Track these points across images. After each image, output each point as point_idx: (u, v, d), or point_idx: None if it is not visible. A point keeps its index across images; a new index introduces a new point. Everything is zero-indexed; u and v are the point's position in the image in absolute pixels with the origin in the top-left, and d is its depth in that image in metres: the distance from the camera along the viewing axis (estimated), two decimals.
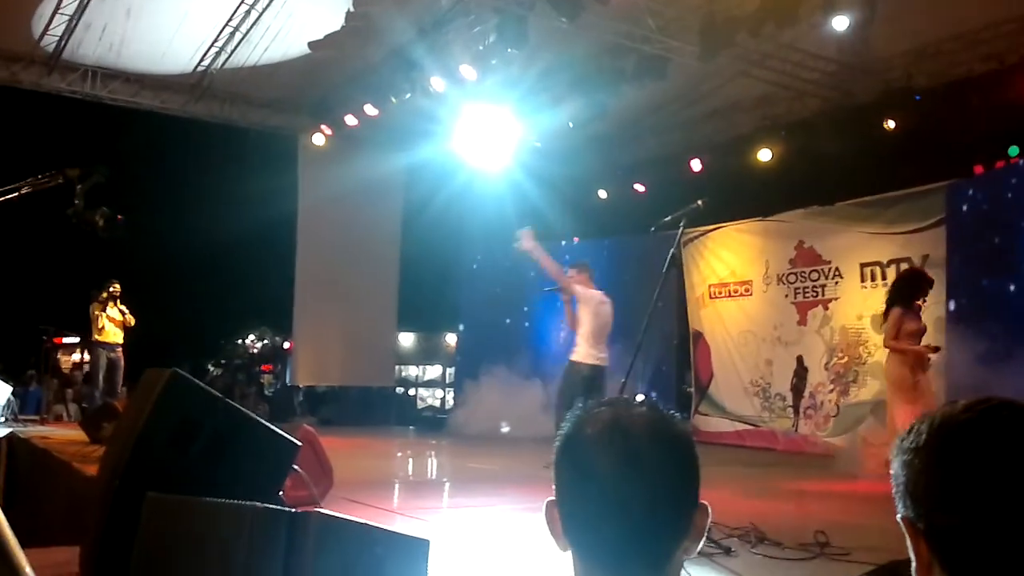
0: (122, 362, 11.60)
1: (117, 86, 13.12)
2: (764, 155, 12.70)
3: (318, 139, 14.39)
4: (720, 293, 13.14)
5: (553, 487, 1.26)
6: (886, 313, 7.14)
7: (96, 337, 11.53)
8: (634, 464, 1.19)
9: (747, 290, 12.76)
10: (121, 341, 11.66)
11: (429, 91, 12.09)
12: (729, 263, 13.06)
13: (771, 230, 12.50)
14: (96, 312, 11.50)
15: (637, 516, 1.17)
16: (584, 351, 8.03)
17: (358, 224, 14.91)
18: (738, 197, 12.35)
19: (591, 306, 8.19)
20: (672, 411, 1.28)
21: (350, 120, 13.58)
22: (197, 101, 13.70)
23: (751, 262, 12.74)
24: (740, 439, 12.16)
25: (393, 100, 12.57)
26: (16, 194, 3.78)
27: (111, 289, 11.60)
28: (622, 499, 1.17)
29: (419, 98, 12.41)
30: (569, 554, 1.24)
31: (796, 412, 11.74)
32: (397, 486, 7.56)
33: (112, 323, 11.56)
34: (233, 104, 14.01)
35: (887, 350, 7.14)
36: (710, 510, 1.24)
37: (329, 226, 14.76)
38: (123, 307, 11.63)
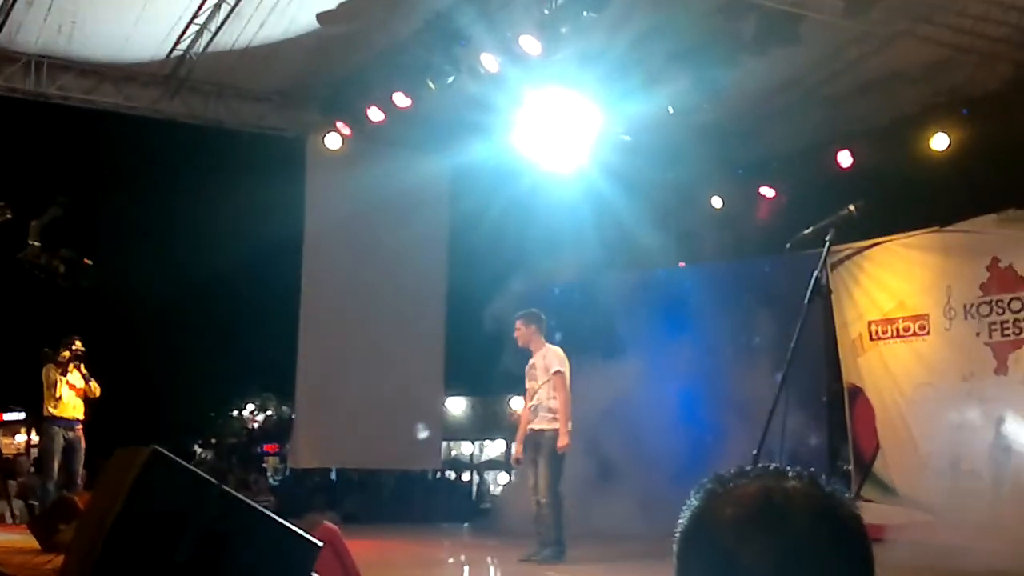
0: (82, 444, 11.81)
1: (69, 80, 13.48)
2: (939, 142, 12.54)
3: (332, 141, 14.59)
4: (885, 333, 12.95)
5: None
6: None
7: (51, 411, 11.74)
8: (796, 557, 1.19)
9: (922, 328, 12.56)
10: (82, 416, 11.87)
11: (479, 72, 12.22)
12: (896, 291, 12.88)
13: (953, 245, 12.32)
14: (53, 377, 11.72)
15: None
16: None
17: (387, 251, 14.99)
18: (905, 200, 12.21)
19: (566, 364, 10.31)
20: (836, 487, 1.29)
21: (374, 114, 13.76)
22: (173, 96, 14.01)
23: (927, 289, 12.55)
24: (919, 533, 11.89)
25: (431, 85, 12.72)
26: None
27: (73, 347, 11.83)
28: None
29: (466, 82, 12.54)
30: None
31: (996, 498, 11.47)
32: None
33: (72, 392, 11.77)
34: (220, 99, 14.32)
35: None
36: None
37: (347, 254, 14.87)
38: (85, 371, 11.86)
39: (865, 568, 1.24)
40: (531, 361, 10.42)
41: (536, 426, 10.14)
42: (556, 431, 9.94)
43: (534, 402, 10.28)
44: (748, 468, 1.30)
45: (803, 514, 1.22)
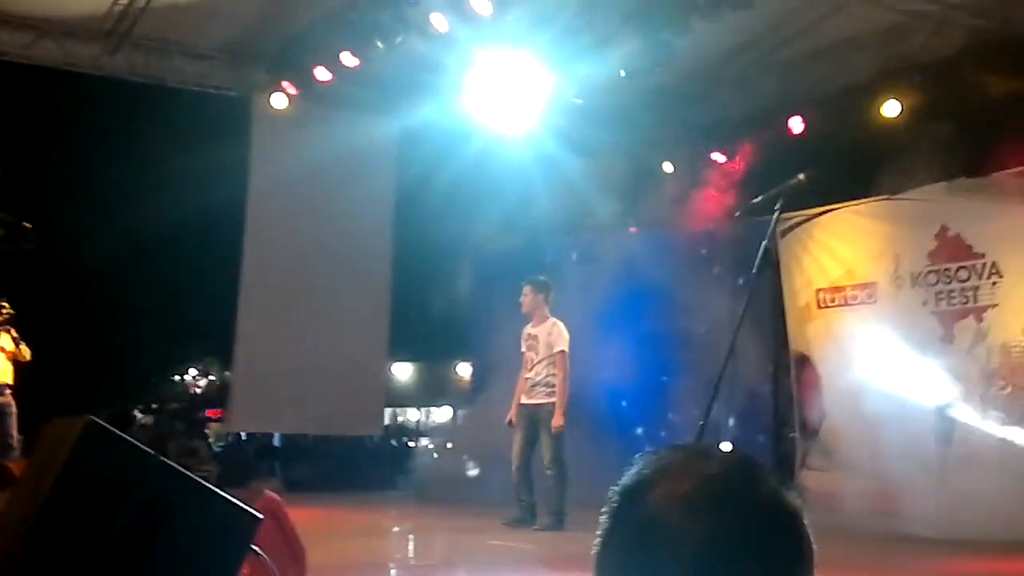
0: (14, 409, 11.70)
1: (6, 35, 13.24)
2: (891, 109, 12.61)
3: (278, 100, 14.45)
4: (833, 301, 13.06)
5: (594, 562, 1.26)
6: None
7: None
8: (725, 545, 1.18)
9: (870, 296, 12.68)
10: (11, 381, 11.75)
11: (429, 32, 12.14)
12: (845, 259, 12.99)
13: (902, 213, 12.42)
14: None
15: None
16: None
17: (332, 213, 14.90)
18: (856, 168, 12.27)
19: (567, 342, 10.54)
20: (771, 469, 1.28)
21: (321, 74, 13.64)
22: (114, 53, 13.81)
23: (875, 257, 12.66)
24: (865, 503, 12.04)
25: (380, 45, 12.62)
26: None
27: (1, 311, 11.71)
28: None
29: (415, 41, 12.46)
30: None
31: (943, 464, 11.63)
32: (393, 575, 7.57)
33: (2, 356, 11.66)
34: (162, 56, 14.11)
35: None
36: None
37: (292, 216, 14.76)
38: (15, 334, 11.74)
39: (805, 558, 1.23)
40: (530, 331, 10.69)
41: (534, 401, 10.44)
42: (555, 405, 10.22)
43: (531, 375, 10.53)
44: (679, 446, 1.30)
45: (736, 500, 1.21)
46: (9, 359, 11.70)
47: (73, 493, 3.24)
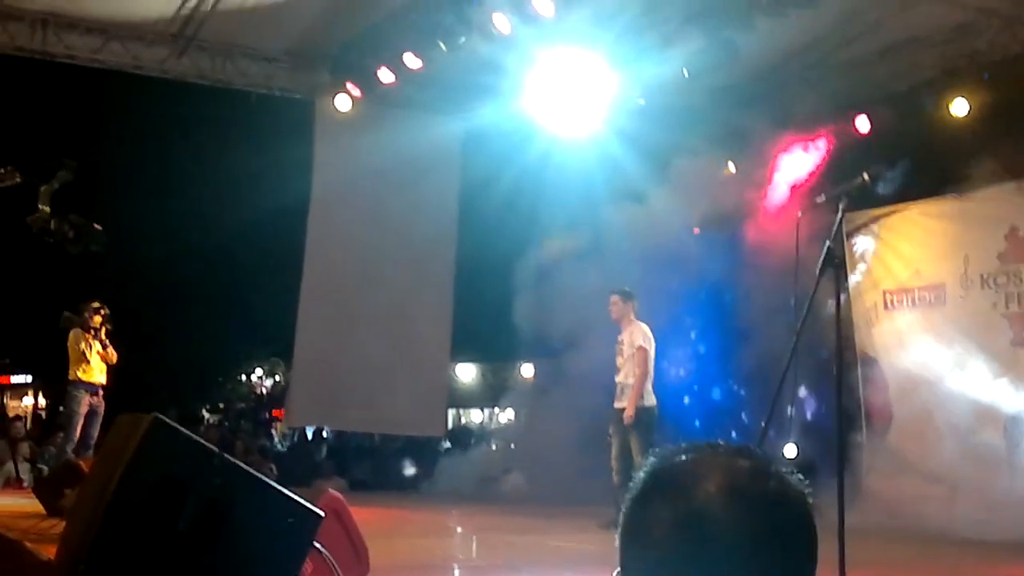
0: (102, 410, 11.90)
1: (75, 39, 13.45)
2: (959, 107, 12.47)
3: (342, 102, 14.57)
4: (900, 302, 12.92)
5: (619, 556, 1.31)
6: None
7: (78, 375, 11.84)
8: (758, 537, 1.24)
9: (938, 297, 12.53)
10: (105, 381, 11.99)
11: (491, 32, 12.17)
12: (912, 260, 12.85)
13: (971, 213, 12.27)
14: (84, 344, 11.82)
15: None
16: (650, 394, 10.63)
17: (395, 215, 15.01)
18: (923, 167, 12.12)
19: (651, 342, 10.75)
20: (787, 470, 1.33)
21: (385, 76, 13.74)
22: (180, 56, 13.99)
23: (943, 258, 12.51)
24: (933, 505, 11.90)
25: (442, 46, 12.67)
26: None
27: (103, 313, 11.97)
28: None
29: (478, 43, 12.50)
30: None
31: (1012, 467, 11.47)
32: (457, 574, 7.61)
33: (98, 357, 11.89)
34: (228, 58, 14.29)
35: None
36: None
37: (355, 217, 14.89)
38: (106, 337, 11.98)
39: (808, 555, 1.29)
40: (620, 337, 10.89)
41: (622, 404, 10.57)
42: (639, 407, 10.42)
43: (620, 379, 10.74)
44: (700, 443, 1.34)
45: (764, 497, 1.26)
46: (103, 361, 11.94)
47: (139, 489, 3.30)
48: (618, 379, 10.76)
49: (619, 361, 10.81)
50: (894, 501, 12.07)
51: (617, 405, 10.65)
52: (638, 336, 10.68)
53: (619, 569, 1.31)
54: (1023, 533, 10.16)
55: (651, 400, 10.58)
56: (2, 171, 4.15)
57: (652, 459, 1.34)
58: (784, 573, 1.26)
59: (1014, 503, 11.26)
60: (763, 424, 5.36)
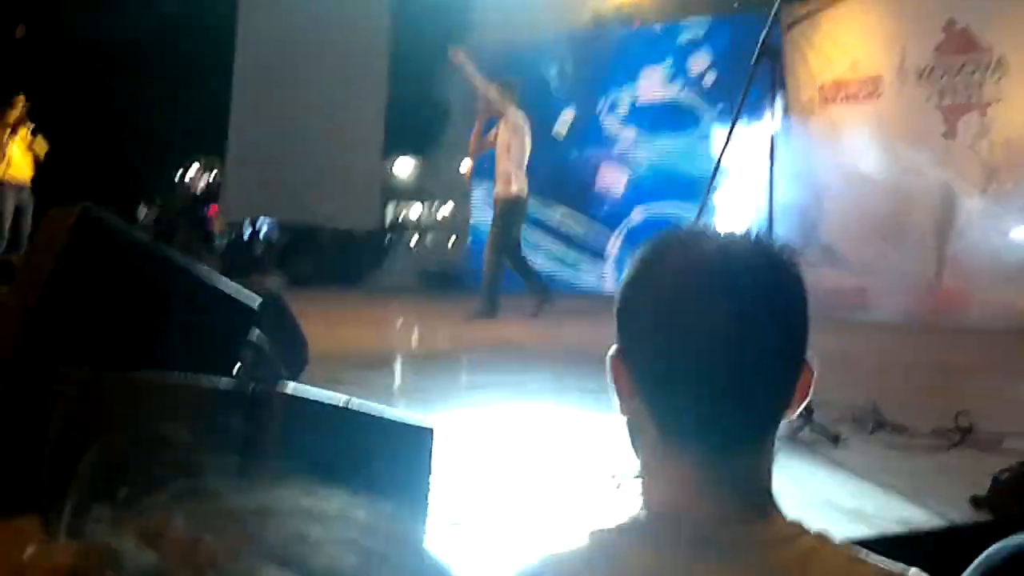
0: (31, 206, 11.75)
1: None
2: None
3: None
4: (836, 96, 12.93)
5: (618, 334, 1.32)
6: None
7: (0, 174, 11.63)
8: (750, 320, 1.25)
9: (874, 91, 12.55)
10: (31, 175, 11.78)
11: None
12: (850, 52, 12.80)
13: (910, 4, 12.21)
14: (1, 138, 11.56)
15: (746, 381, 1.25)
16: (523, 181, 10.46)
17: (327, 2, 14.59)
18: None
19: (524, 132, 10.49)
20: (782, 245, 1.34)
21: None
22: None
23: (880, 51, 12.49)
24: (862, 297, 12.16)
25: None
26: None
27: (21, 106, 11.67)
28: (731, 362, 1.24)
29: None
30: (626, 421, 1.35)
31: (940, 259, 11.70)
32: (397, 364, 7.70)
33: (20, 153, 11.64)
34: None
35: None
36: (815, 369, 1.31)
37: (286, 6, 14.47)
38: (29, 130, 11.71)
39: (805, 324, 1.31)
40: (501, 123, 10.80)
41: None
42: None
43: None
44: (697, 224, 1.37)
45: (758, 277, 1.27)
46: (27, 156, 11.70)
47: (68, 285, 3.24)
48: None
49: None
50: (827, 292, 12.30)
51: (518, 191, 10.65)
52: (526, 122, 10.61)
53: (617, 348, 1.32)
54: (947, 321, 10.48)
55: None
56: None
57: (666, 235, 1.36)
58: (804, 343, 1.30)
59: (940, 290, 11.55)
60: (698, 207, 5.35)
